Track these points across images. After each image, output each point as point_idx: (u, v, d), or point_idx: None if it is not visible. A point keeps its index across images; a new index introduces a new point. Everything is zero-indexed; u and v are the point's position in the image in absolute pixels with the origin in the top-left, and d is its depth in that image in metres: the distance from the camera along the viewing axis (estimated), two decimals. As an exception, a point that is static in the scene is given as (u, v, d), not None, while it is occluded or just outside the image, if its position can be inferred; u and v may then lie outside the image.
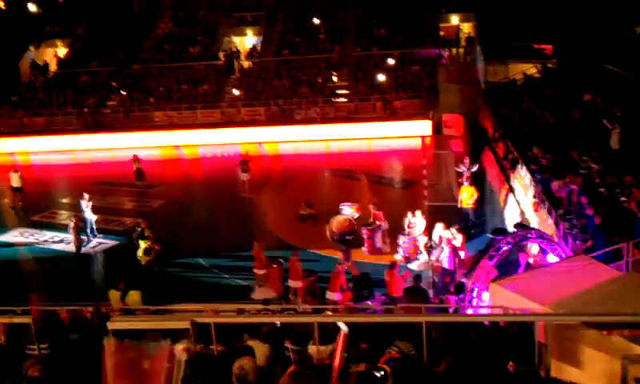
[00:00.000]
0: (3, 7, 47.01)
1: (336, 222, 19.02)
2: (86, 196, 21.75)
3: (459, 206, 20.48)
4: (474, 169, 22.61)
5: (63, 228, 21.86)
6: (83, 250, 20.67)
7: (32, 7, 45.37)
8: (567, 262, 12.06)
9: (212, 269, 19.04)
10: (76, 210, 22.26)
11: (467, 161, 22.55)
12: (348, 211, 19.91)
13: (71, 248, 20.61)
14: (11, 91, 38.71)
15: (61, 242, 21.66)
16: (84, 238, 20.86)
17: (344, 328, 8.94)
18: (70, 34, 42.27)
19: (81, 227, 20.61)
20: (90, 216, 21.49)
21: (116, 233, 22.25)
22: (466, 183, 20.96)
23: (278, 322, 8.81)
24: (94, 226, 21.66)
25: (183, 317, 8.15)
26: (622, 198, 15.21)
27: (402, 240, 18.52)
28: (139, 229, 18.87)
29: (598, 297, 9.66)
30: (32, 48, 41.53)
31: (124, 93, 37.02)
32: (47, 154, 33.88)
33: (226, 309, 13.07)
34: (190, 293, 17.35)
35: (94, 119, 35.98)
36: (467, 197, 20.18)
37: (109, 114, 36.47)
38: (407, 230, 18.84)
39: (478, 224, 20.19)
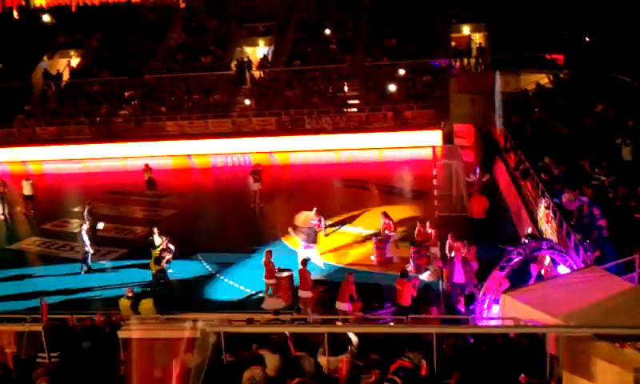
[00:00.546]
0: (17, 17, 47.54)
1: (303, 217, 20.42)
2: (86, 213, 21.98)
3: (470, 216, 20.42)
4: (485, 179, 22.57)
5: (75, 236, 21.91)
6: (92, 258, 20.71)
7: (46, 17, 45.81)
8: (579, 274, 11.98)
9: (222, 277, 19.06)
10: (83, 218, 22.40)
11: (478, 171, 22.52)
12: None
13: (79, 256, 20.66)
14: (24, 100, 39.06)
15: (71, 250, 21.79)
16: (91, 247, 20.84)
17: (354, 339, 8.95)
18: (83, 43, 42.64)
19: (90, 235, 20.61)
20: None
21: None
22: (476, 193, 20.90)
23: (288, 332, 8.81)
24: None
25: (193, 326, 8.17)
26: (637, 215, 15.12)
27: (412, 250, 18.47)
28: (150, 238, 18.93)
29: (610, 309, 9.59)
30: (45, 58, 41.89)
31: (135, 103, 37.27)
32: (60, 163, 34.15)
33: (236, 318, 13.08)
34: (200, 302, 17.39)
35: (106, 128, 36.25)
36: (478, 207, 20.10)
37: (121, 124, 36.74)
38: (417, 239, 18.82)
39: (488, 234, 20.08)
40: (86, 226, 20.70)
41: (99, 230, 21.91)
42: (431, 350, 7.58)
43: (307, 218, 20.42)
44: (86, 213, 22.18)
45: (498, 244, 16.55)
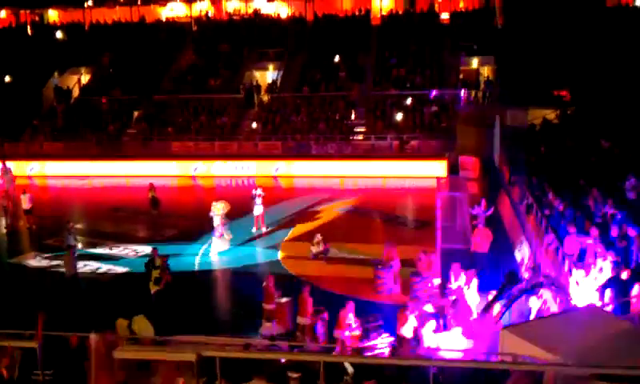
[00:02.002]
0: (30, 33, 48.11)
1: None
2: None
3: (473, 248, 20.33)
4: (490, 212, 22.48)
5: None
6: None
7: (59, 34, 46.34)
8: (579, 312, 11.88)
9: (220, 300, 18.98)
10: (85, 235, 22.34)
11: (483, 203, 22.45)
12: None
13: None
14: (33, 115, 39.34)
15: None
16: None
17: (350, 368, 8.87)
18: (94, 61, 43.06)
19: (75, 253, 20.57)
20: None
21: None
22: (480, 226, 20.82)
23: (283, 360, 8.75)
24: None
25: (189, 349, 8.11)
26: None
27: (413, 281, 18.34)
28: (150, 258, 18.85)
29: (610, 348, 9.47)
30: (56, 74, 42.29)
31: (143, 123, 37.51)
32: (65, 179, 34.26)
33: (233, 343, 12.97)
34: (197, 324, 17.27)
35: (113, 146, 36.42)
36: (481, 240, 20.01)
37: (128, 142, 36.92)
38: (419, 270, 18.70)
39: (490, 268, 19.97)
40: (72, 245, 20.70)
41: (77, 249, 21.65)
42: (427, 382, 7.51)
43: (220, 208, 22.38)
44: (66, 233, 21.64)
45: (499, 278, 16.50)
